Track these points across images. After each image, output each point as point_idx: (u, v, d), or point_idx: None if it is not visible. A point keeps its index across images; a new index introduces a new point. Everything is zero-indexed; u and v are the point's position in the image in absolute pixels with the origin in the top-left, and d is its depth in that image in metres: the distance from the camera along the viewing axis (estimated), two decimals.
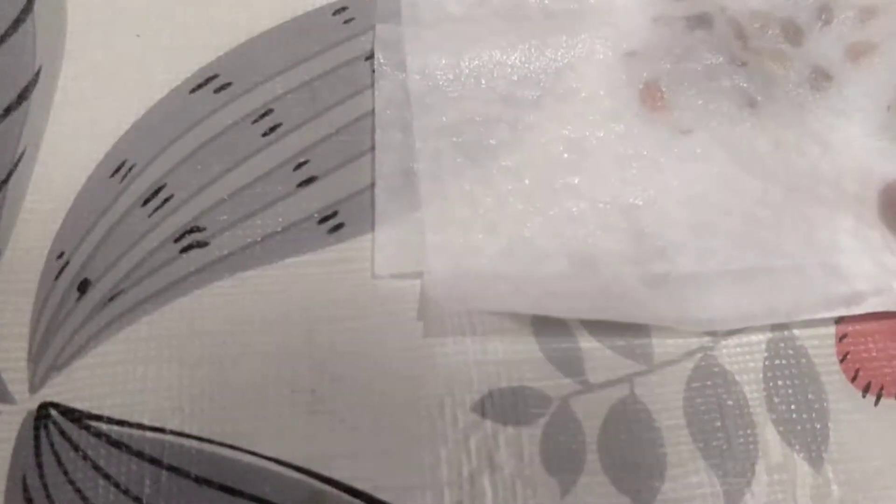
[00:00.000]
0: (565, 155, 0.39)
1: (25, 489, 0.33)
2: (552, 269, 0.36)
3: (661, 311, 0.35)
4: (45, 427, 0.34)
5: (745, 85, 0.40)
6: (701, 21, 0.42)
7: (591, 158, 0.39)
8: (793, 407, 0.36)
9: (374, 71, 0.41)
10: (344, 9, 0.43)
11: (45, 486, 0.33)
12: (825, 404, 0.36)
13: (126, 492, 0.33)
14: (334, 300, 0.36)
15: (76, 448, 0.34)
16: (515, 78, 0.41)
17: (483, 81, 0.41)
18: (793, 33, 0.42)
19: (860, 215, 0.38)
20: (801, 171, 0.39)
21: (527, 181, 0.39)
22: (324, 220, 0.38)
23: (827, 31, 0.42)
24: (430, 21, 0.42)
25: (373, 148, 0.39)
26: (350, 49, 0.42)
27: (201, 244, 0.37)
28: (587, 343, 0.36)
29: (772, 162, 0.39)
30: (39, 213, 0.37)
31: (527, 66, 0.41)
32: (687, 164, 0.39)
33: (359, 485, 0.34)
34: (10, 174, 0.38)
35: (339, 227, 0.38)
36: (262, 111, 0.40)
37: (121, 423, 0.34)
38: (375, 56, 0.41)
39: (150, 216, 0.37)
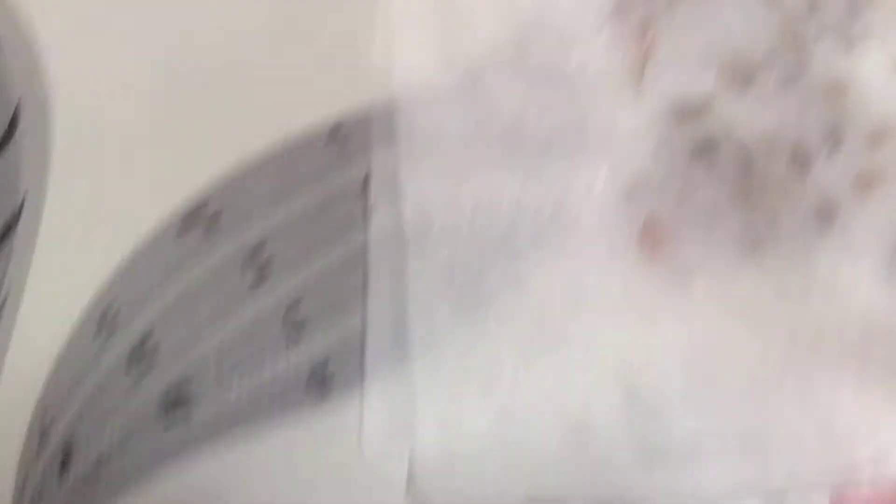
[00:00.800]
0: (561, 304, 0.38)
1: None
2: (545, 440, 0.36)
3: (655, 490, 0.35)
4: None
5: (748, 224, 0.39)
6: (706, 148, 0.40)
7: (586, 308, 0.38)
8: None
9: (368, 203, 0.40)
10: (339, 130, 0.41)
11: None
12: None
13: None
14: (320, 474, 0.35)
15: None
16: (513, 213, 0.40)
17: (481, 216, 0.40)
18: (801, 159, 0.41)
19: (863, 371, 0.37)
20: (803, 323, 0.38)
21: (521, 334, 0.38)
22: (313, 373, 0.37)
23: (835, 156, 0.41)
24: (428, 146, 0.41)
25: (365, 293, 0.38)
26: (345, 176, 0.41)
27: (186, 407, 0.36)
28: None
29: (774, 314, 0.38)
30: (21, 374, 0.36)
31: (525, 200, 0.40)
32: (685, 317, 0.38)
33: None
34: None
35: (328, 380, 0.37)
36: (254, 250, 0.39)
37: None
38: (370, 187, 0.40)
39: (133, 378, 0.36)
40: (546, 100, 0.42)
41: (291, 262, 0.39)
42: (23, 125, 0.41)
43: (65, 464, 0.35)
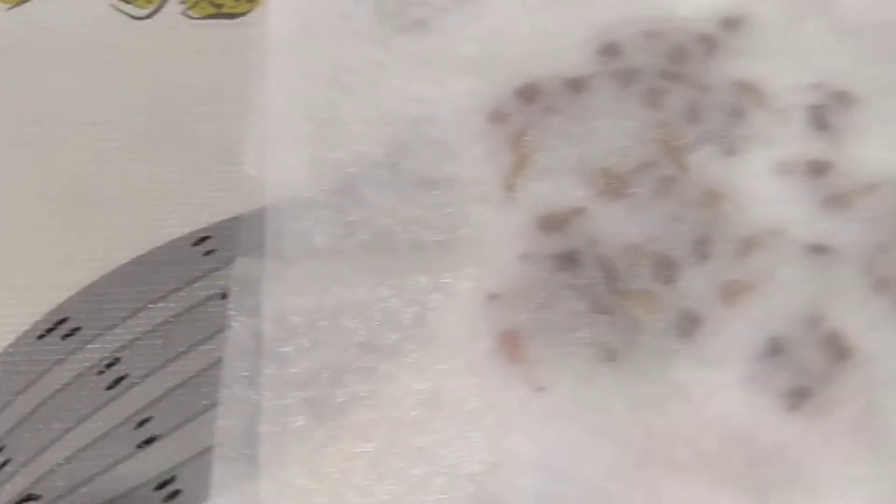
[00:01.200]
0: (417, 411, 0.38)
1: None
2: None
3: None
4: None
5: (606, 335, 0.39)
6: (568, 260, 0.40)
7: (442, 416, 0.38)
8: None
9: (226, 314, 0.39)
10: (206, 238, 0.41)
11: None
12: None
13: None
14: None
15: None
16: (376, 321, 0.40)
17: (341, 326, 0.39)
18: (666, 270, 0.40)
19: (717, 479, 0.36)
20: (657, 432, 0.37)
21: (375, 443, 0.37)
22: (161, 486, 0.36)
23: (703, 266, 0.41)
24: (294, 255, 0.41)
25: (217, 406, 0.38)
26: (207, 286, 0.41)
27: None
28: None
29: (627, 423, 0.37)
30: None
31: (388, 307, 0.40)
32: (539, 425, 0.37)
33: None
34: None
35: (175, 495, 0.36)
36: (109, 360, 0.39)
37: None
38: (230, 297, 0.40)
39: None
40: (417, 208, 0.42)
41: (146, 373, 0.38)
42: None
43: None
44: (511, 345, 0.38)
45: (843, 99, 0.43)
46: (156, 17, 0.47)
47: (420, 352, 0.39)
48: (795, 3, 0.47)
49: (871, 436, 0.37)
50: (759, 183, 0.42)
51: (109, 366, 0.38)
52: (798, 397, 0.37)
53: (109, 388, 0.38)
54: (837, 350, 0.38)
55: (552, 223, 0.41)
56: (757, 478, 0.37)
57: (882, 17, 0.46)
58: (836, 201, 0.41)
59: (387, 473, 0.36)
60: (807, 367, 0.38)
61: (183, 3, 0.48)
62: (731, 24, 0.46)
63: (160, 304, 0.39)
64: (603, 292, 0.39)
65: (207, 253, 0.41)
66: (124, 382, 0.38)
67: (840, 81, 0.44)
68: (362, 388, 0.38)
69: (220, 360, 0.39)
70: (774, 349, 0.38)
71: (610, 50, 0.45)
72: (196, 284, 0.40)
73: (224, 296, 0.40)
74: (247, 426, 0.37)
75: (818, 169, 0.42)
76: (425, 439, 0.37)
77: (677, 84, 0.43)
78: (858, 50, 0.45)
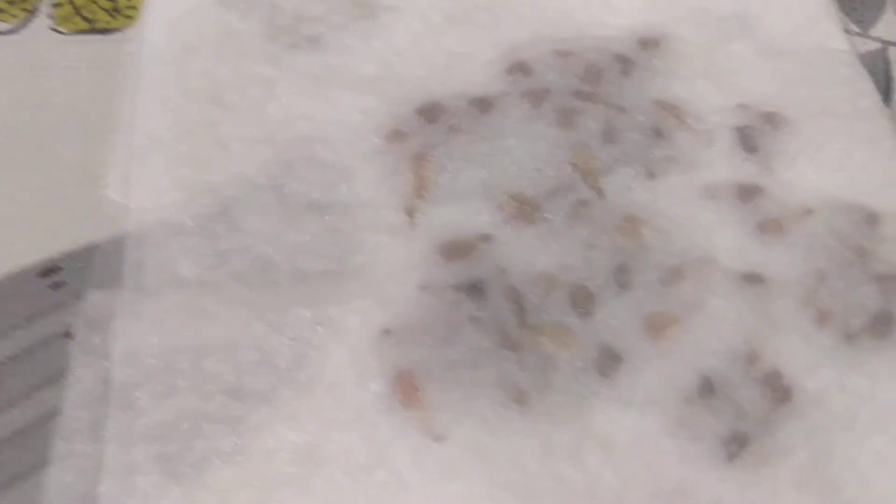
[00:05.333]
0: (293, 468, 0.29)
1: None
2: None
3: None
4: None
5: (515, 375, 0.30)
6: (473, 290, 0.32)
7: (324, 474, 0.30)
8: None
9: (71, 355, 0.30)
10: (56, 269, 0.33)
11: None
12: None
13: None
14: None
15: None
16: (248, 364, 0.31)
17: (205, 368, 0.30)
18: (582, 301, 0.33)
19: None
20: (574, 486, 0.29)
21: None
22: None
23: (623, 298, 0.33)
24: (155, 287, 0.33)
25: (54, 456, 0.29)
26: (52, 323, 0.32)
27: None
28: None
29: (539, 477, 0.29)
30: None
31: (263, 346, 0.31)
32: (437, 480, 0.29)
33: None
34: None
35: None
36: None
37: None
38: (76, 337, 0.31)
39: None
40: (303, 235, 0.34)
41: None
42: None
43: None
44: (405, 388, 0.30)
45: (771, 120, 0.37)
46: (22, 31, 0.40)
47: (299, 399, 0.30)
48: (718, 26, 0.40)
49: (822, 488, 0.30)
50: (685, 208, 0.34)
51: None
52: (736, 445, 0.30)
53: None
54: (778, 391, 0.31)
55: (456, 250, 0.33)
56: None
57: (808, 41, 0.39)
58: (770, 227, 0.34)
59: None
60: (744, 411, 0.30)
61: (52, 18, 0.39)
62: (650, 44, 0.39)
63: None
64: (511, 326, 0.31)
65: (56, 286, 0.32)
66: None
67: (768, 103, 0.37)
68: (227, 442, 0.29)
69: (59, 410, 0.29)
70: (707, 390, 0.30)
71: (519, 69, 0.38)
72: (39, 321, 0.31)
73: (69, 334, 0.30)
74: (85, 487, 0.28)
75: (748, 193, 0.35)
76: (302, 499, 0.28)
77: (591, 104, 0.37)
78: (786, 73, 0.40)
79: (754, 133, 0.37)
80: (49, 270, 0.33)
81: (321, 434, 0.31)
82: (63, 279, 0.33)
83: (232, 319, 0.33)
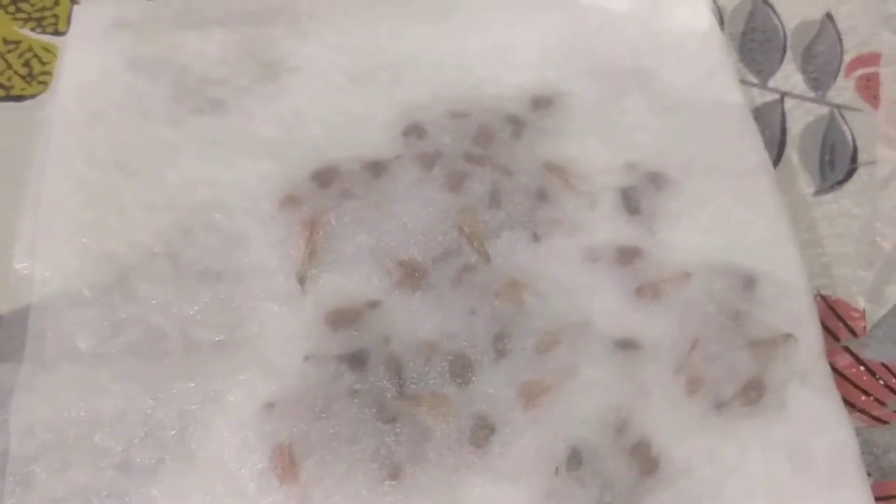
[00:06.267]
0: None
1: None
2: None
3: None
4: None
5: (391, 448, 0.31)
6: (355, 361, 0.33)
7: None
8: None
9: None
10: None
11: None
12: None
13: None
14: None
15: None
16: (136, 438, 0.32)
17: (96, 444, 0.31)
18: (461, 369, 0.34)
19: None
20: None
21: None
22: None
23: (500, 365, 0.34)
24: (54, 360, 0.34)
25: None
26: None
27: None
28: None
29: None
30: None
31: (150, 420, 0.32)
32: None
33: None
34: None
35: None
36: None
37: None
38: None
39: None
40: (195, 304, 0.35)
41: None
42: None
43: None
44: (283, 463, 0.31)
45: (655, 180, 0.37)
46: None
47: (184, 473, 0.31)
48: (615, 80, 0.41)
49: None
50: (565, 271, 0.35)
51: None
52: None
53: None
54: (646, 461, 0.32)
55: (342, 319, 0.34)
56: None
57: (703, 94, 0.40)
58: (647, 291, 0.35)
59: None
60: (611, 482, 0.31)
61: None
62: (542, 103, 0.40)
63: None
64: (390, 397, 0.32)
65: None
66: None
67: (654, 161, 0.38)
68: None
69: None
70: (575, 460, 0.31)
71: (414, 131, 0.39)
72: None
73: None
74: None
75: (628, 256, 0.36)
76: None
77: (480, 167, 0.37)
78: (677, 128, 0.40)
79: (637, 194, 0.38)
80: None
81: None
82: None
83: (122, 392, 0.34)
